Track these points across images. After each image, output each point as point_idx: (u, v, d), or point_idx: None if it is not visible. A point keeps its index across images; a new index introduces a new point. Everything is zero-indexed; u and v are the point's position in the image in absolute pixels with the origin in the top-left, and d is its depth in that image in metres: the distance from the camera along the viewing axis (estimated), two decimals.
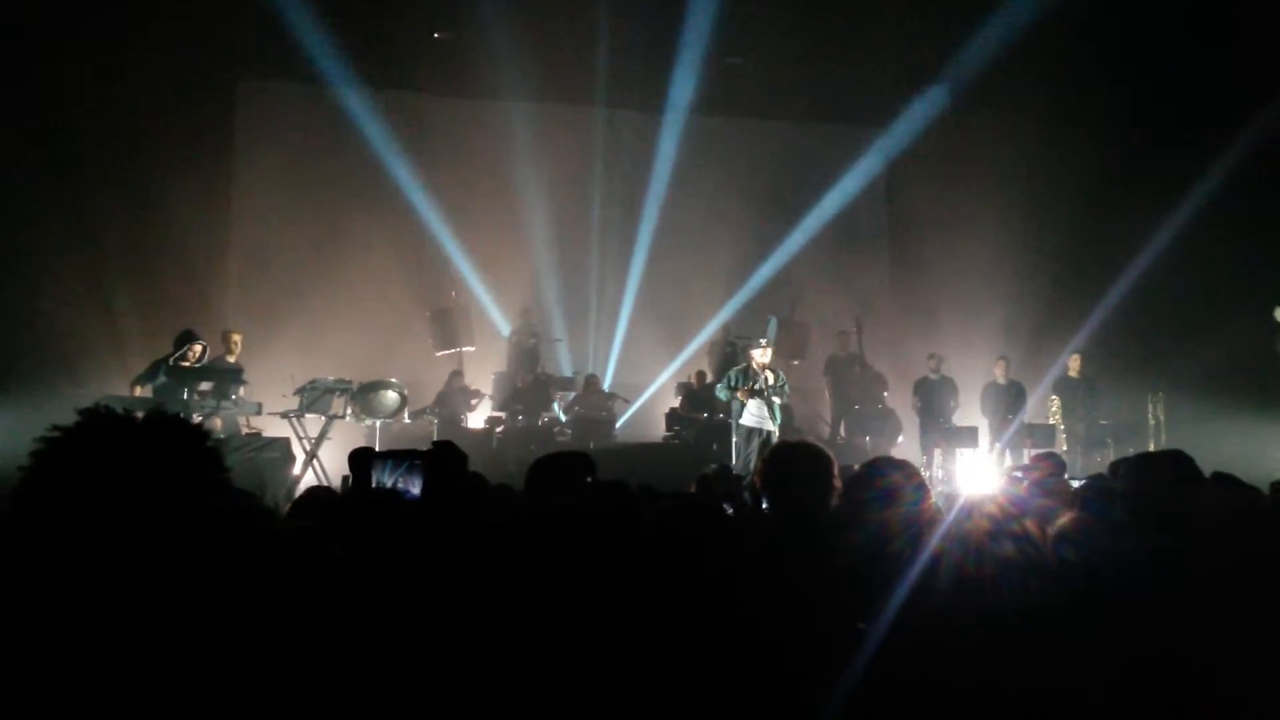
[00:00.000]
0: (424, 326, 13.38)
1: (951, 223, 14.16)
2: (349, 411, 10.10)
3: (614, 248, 14.75)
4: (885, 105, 14.58)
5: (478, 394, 12.54)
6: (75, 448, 1.36)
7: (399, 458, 3.05)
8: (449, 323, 13.24)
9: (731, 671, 2.11)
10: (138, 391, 9.14)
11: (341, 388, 9.87)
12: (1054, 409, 12.17)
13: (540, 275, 14.32)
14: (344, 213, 13.40)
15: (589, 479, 3.46)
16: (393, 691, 2.04)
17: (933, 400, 12.02)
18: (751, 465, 8.87)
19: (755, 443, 9.74)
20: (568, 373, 13.82)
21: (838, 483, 2.99)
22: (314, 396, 9.67)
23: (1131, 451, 9.66)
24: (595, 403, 12.83)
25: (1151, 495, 2.97)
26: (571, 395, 13.11)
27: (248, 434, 9.68)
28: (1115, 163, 12.46)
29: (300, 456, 9.48)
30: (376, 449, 3.24)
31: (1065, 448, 11.54)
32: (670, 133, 14.50)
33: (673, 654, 2.11)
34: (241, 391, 9.56)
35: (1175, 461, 3.13)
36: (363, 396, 10.16)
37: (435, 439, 7.92)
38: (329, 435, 9.75)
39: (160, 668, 1.26)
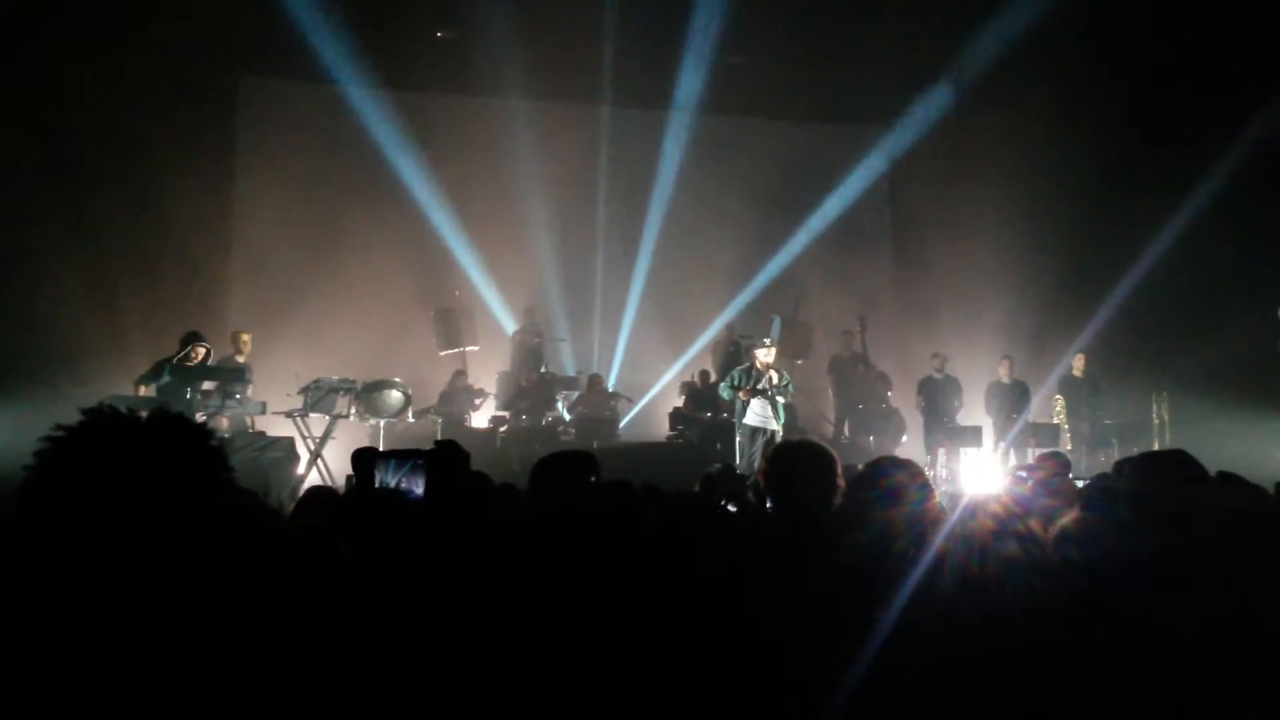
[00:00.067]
0: (427, 326, 13.37)
1: (955, 222, 14.17)
2: (353, 411, 10.11)
3: (618, 247, 14.75)
4: (888, 105, 14.60)
5: (481, 393, 12.54)
6: (79, 447, 1.36)
7: (402, 458, 3.04)
8: (452, 322, 13.24)
9: (735, 671, 2.10)
10: (142, 391, 9.16)
11: (345, 387, 9.89)
12: (1058, 408, 12.17)
13: (544, 274, 14.31)
14: (347, 212, 13.38)
15: (592, 478, 3.46)
16: (396, 691, 2.04)
17: (937, 400, 12.01)
18: (755, 465, 8.87)
19: (759, 442, 9.74)
20: (571, 372, 13.81)
21: (841, 482, 2.98)
22: (318, 396, 9.68)
23: (1136, 451, 9.68)
24: (599, 402, 12.83)
25: (1156, 495, 2.96)
26: (575, 395, 13.11)
27: (253, 434, 9.69)
28: (1118, 162, 12.47)
29: (304, 456, 9.49)
30: (380, 448, 3.24)
31: (1070, 447, 11.54)
32: (673, 132, 14.52)
33: (676, 653, 2.11)
34: (249, 391, 9.57)
35: (1180, 461, 3.12)
36: (366, 396, 10.17)
37: (438, 438, 7.94)
38: (333, 435, 9.76)
39: (165, 666, 1.26)
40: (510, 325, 13.84)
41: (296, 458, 9.40)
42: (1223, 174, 11.43)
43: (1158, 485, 3.01)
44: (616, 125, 14.75)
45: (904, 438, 12.65)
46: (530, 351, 13.11)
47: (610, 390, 13.35)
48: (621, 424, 13.05)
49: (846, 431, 12.96)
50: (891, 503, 2.71)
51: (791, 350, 13.17)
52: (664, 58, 13.58)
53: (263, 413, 9.77)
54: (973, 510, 2.36)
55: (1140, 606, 2.34)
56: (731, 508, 3.65)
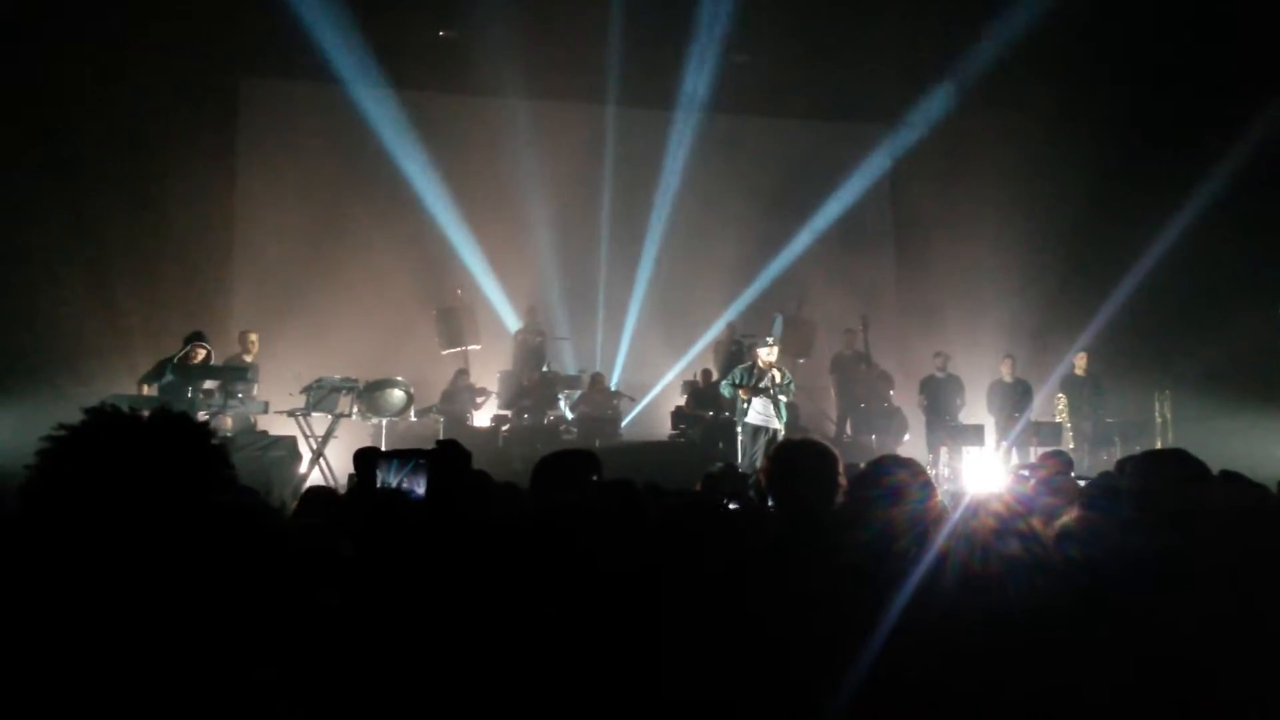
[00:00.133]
0: (429, 325, 13.37)
1: (957, 221, 14.17)
2: (355, 410, 10.11)
3: (620, 246, 14.73)
4: (890, 104, 14.60)
5: (483, 392, 12.54)
6: (81, 446, 1.36)
7: (404, 457, 3.05)
8: (455, 321, 13.24)
9: (737, 669, 2.10)
10: (144, 390, 9.17)
11: (347, 386, 9.88)
12: (1060, 407, 12.16)
13: (546, 273, 14.31)
14: (349, 211, 13.39)
15: (594, 477, 3.46)
16: (398, 690, 2.04)
17: (939, 398, 12.00)
18: (757, 463, 8.86)
19: (761, 441, 9.73)
20: (573, 371, 13.81)
21: (843, 481, 2.98)
22: (320, 395, 9.68)
23: (1138, 449, 9.67)
24: (601, 401, 12.83)
25: (1158, 493, 2.96)
26: (577, 394, 13.11)
27: (255, 433, 9.70)
28: (1118, 162, 12.48)
29: (307, 455, 9.50)
30: (383, 447, 3.24)
31: (1072, 446, 11.52)
32: (676, 131, 14.52)
33: (678, 652, 2.11)
34: (254, 391, 9.57)
35: (1182, 459, 3.12)
36: (369, 395, 10.18)
37: (440, 437, 7.95)
38: (335, 434, 9.77)
39: (166, 665, 1.27)
40: (512, 324, 13.84)
41: (299, 457, 9.41)
42: (1223, 174, 11.43)
43: (1160, 484, 3.01)
44: (619, 124, 14.72)
45: (906, 436, 12.65)
46: (532, 350, 13.11)
47: (612, 389, 13.35)
48: (623, 423, 13.04)
49: (848, 430, 12.95)
50: (893, 501, 2.70)
51: (793, 349, 13.17)
52: (667, 57, 13.58)
53: (265, 411, 9.78)
54: (975, 509, 2.36)
55: (1142, 605, 2.34)
56: (733, 506, 3.66)
